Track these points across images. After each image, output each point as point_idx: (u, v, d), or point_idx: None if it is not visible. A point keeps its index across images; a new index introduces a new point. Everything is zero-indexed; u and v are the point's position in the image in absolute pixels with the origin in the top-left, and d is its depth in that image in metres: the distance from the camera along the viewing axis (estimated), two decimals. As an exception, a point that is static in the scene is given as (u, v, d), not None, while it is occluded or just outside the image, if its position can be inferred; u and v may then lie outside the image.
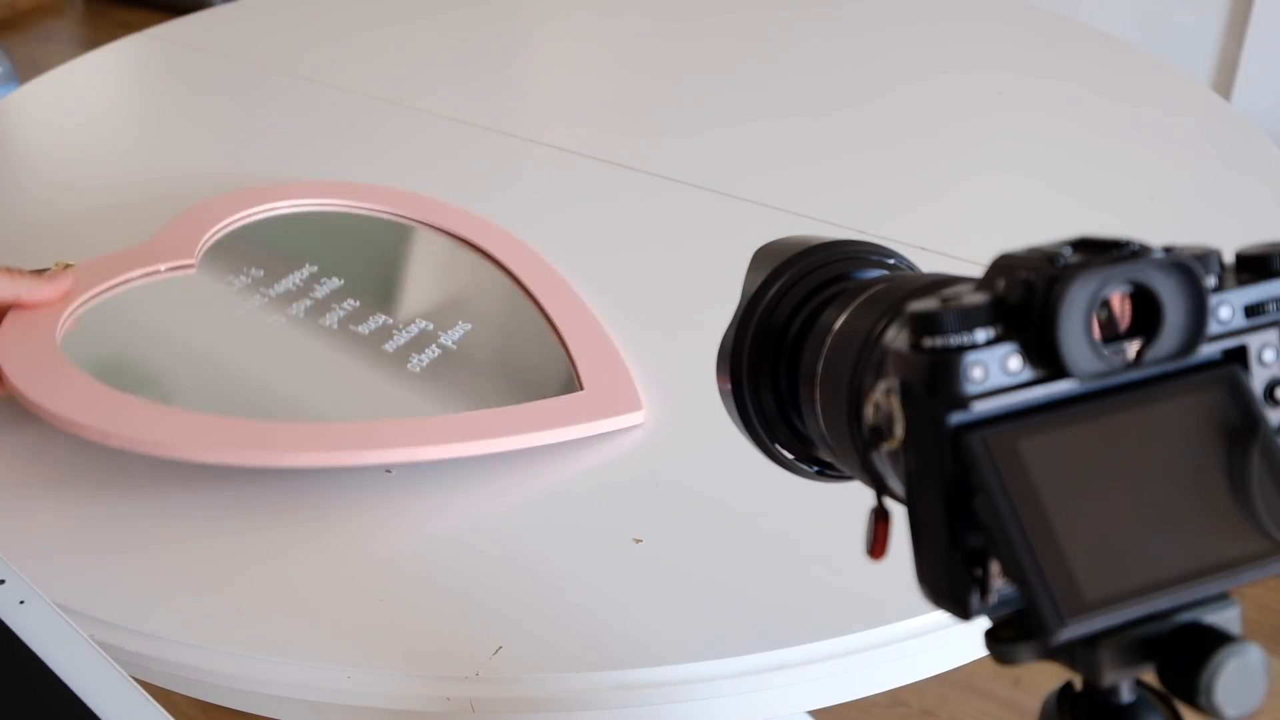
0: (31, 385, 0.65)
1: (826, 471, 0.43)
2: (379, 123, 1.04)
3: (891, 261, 0.42)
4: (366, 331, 0.74)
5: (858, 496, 0.36)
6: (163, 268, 0.77)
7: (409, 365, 0.71)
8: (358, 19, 1.24)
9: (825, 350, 0.38)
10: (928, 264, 0.82)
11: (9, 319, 0.70)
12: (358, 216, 0.87)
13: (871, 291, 0.37)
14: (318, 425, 0.65)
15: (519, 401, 0.69)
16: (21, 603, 0.50)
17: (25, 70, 2.28)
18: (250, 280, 0.78)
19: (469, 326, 0.75)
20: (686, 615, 0.59)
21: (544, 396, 0.69)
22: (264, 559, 0.62)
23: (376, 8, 1.26)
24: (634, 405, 0.69)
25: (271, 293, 0.77)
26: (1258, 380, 0.31)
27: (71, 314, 0.72)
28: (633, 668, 0.56)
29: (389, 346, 0.72)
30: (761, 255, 0.44)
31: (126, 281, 0.76)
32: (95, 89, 1.15)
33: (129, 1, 2.93)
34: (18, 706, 0.46)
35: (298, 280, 0.78)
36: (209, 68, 1.15)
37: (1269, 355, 0.31)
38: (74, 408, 0.64)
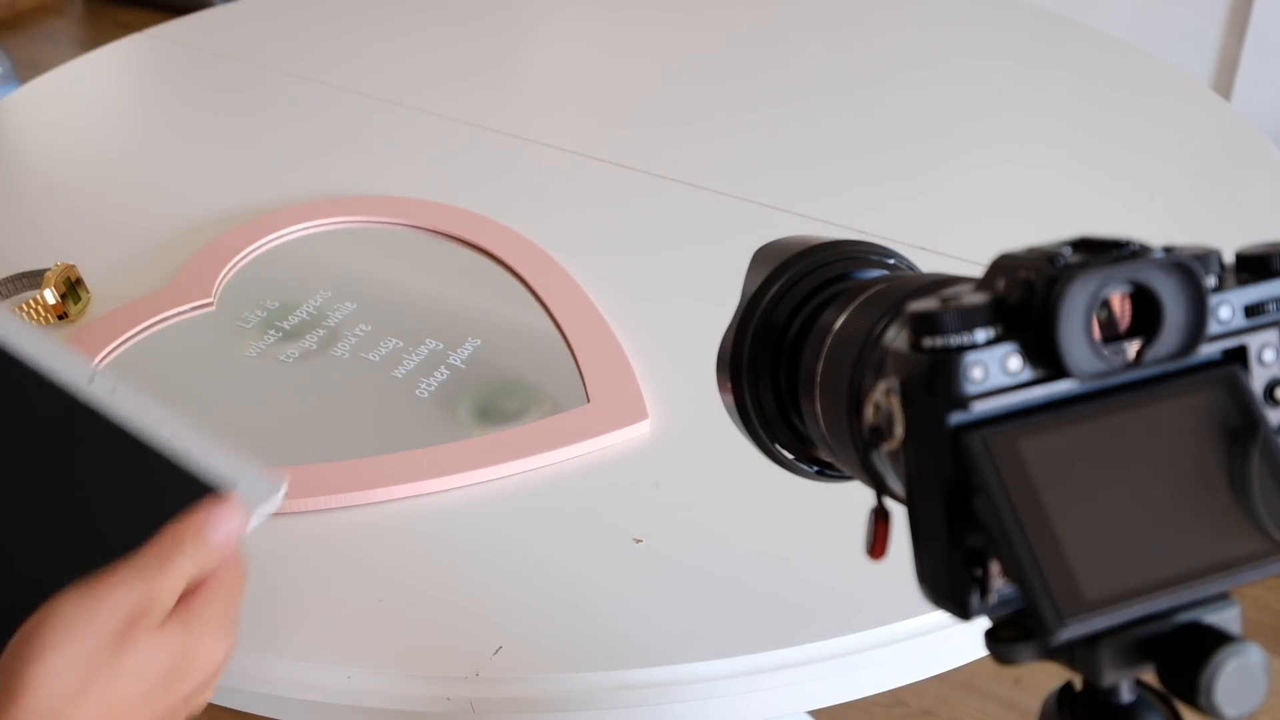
0: None
1: (826, 471, 0.43)
2: (379, 123, 1.04)
3: (891, 261, 0.42)
4: (377, 358, 0.74)
5: (858, 496, 0.36)
6: (183, 309, 0.78)
7: (417, 391, 0.71)
8: (358, 19, 1.24)
9: (825, 350, 0.38)
10: (928, 264, 0.82)
11: None
12: (369, 232, 0.88)
13: (871, 291, 0.37)
14: (326, 467, 0.66)
15: (526, 417, 0.69)
16: (113, 391, 0.57)
17: (25, 70, 2.28)
18: (265, 314, 0.78)
19: (478, 343, 0.75)
20: (686, 615, 0.59)
21: (551, 410, 0.70)
22: (264, 560, 0.62)
23: (376, 7, 1.26)
24: (640, 415, 0.69)
25: (285, 325, 0.77)
26: (1258, 380, 0.31)
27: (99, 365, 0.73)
28: (633, 668, 0.56)
29: (399, 372, 0.73)
30: (761, 255, 0.43)
31: (150, 327, 0.77)
32: (95, 89, 1.15)
33: (129, 1, 2.93)
34: (123, 477, 0.55)
35: (310, 309, 0.79)
36: (209, 68, 1.15)
37: (1269, 355, 0.31)
38: None
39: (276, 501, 0.52)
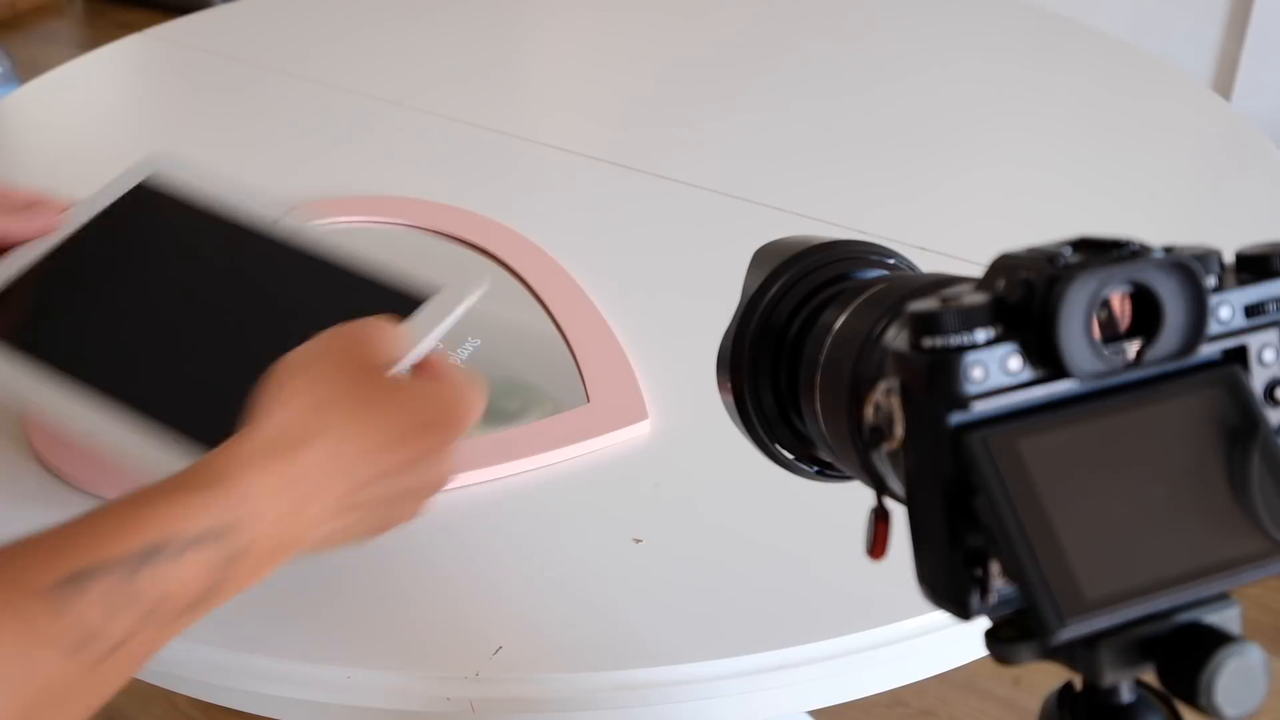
0: (54, 454, 0.67)
1: (826, 471, 0.43)
2: (379, 123, 1.04)
3: (891, 261, 0.42)
4: None
5: (857, 496, 0.36)
6: None
7: None
8: (358, 19, 1.24)
9: (825, 350, 0.38)
10: (928, 264, 0.82)
11: None
12: (370, 232, 0.87)
13: (871, 291, 0.37)
14: None
15: (526, 417, 0.69)
16: (275, 221, 0.64)
17: (25, 70, 2.28)
18: None
19: (478, 343, 0.75)
20: (687, 615, 0.59)
21: (551, 410, 0.70)
22: (264, 559, 0.62)
23: (377, 7, 1.26)
24: (639, 415, 0.69)
25: None
26: (1258, 380, 0.31)
27: None
28: (633, 668, 0.56)
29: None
30: (762, 255, 0.44)
31: None
32: (95, 89, 1.15)
33: (129, 1, 2.93)
34: (326, 296, 0.61)
35: None
36: (209, 68, 1.15)
37: (1269, 355, 0.31)
38: (94, 479, 0.65)
39: (479, 294, 0.59)
